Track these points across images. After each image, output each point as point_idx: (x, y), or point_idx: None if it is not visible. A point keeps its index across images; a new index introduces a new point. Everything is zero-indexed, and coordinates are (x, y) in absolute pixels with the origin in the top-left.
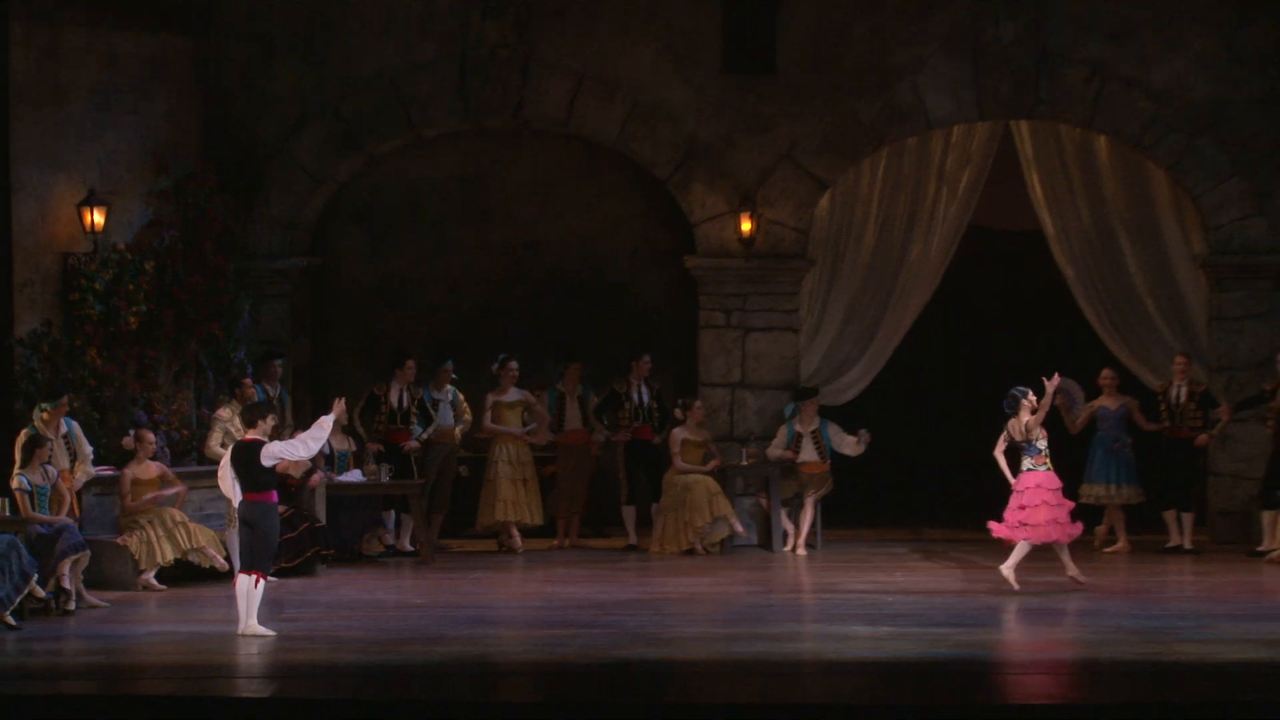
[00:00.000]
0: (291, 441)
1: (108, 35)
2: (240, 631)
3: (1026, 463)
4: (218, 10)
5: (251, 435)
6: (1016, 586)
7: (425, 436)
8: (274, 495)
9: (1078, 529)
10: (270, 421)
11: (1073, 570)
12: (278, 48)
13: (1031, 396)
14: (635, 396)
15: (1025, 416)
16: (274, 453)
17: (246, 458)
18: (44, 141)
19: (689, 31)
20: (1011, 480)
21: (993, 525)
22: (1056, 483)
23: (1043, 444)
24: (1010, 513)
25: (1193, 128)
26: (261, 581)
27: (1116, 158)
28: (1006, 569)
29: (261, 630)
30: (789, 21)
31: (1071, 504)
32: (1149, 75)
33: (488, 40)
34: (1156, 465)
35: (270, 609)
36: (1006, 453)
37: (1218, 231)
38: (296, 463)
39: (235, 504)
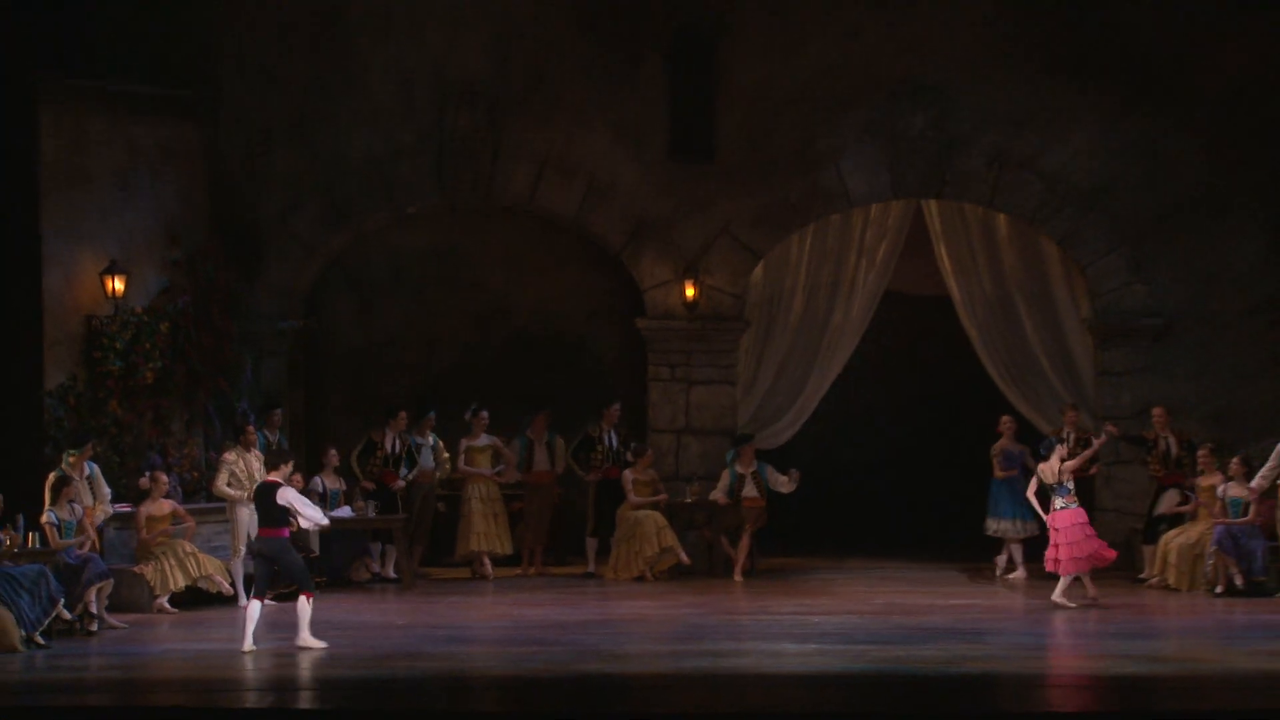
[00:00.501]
0: (307, 503)
1: (127, 125)
2: (297, 644)
3: (1059, 502)
4: (224, 103)
5: (272, 477)
6: (1073, 605)
7: (410, 477)
8: (285, 531)
9: (1111, 555)
10: (289, 467)
11: (1092, 591)
12: (277, 136)
13: (1061, 447)
14: (606, 440)
15: (1056, 463)
16: (288, 499)
17: (265, 496)
18: (71, 218)
19: (638, 122)
20: (1044, 517)
21: (1048, 564)
22: (1084, 517)
23: (1070, 484)
24: (1052, 549)
25: (1080, 207)
26: (310, 599)
27: (1014, 232)
28: (1057, 596)
29: (314, 643)
30: (726, 113)
31: (1093, 533)
32: (1042, 161)
33: (461, 129)
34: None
35: (268, 629)
36: (1036, 493)
37: (1103, 297)
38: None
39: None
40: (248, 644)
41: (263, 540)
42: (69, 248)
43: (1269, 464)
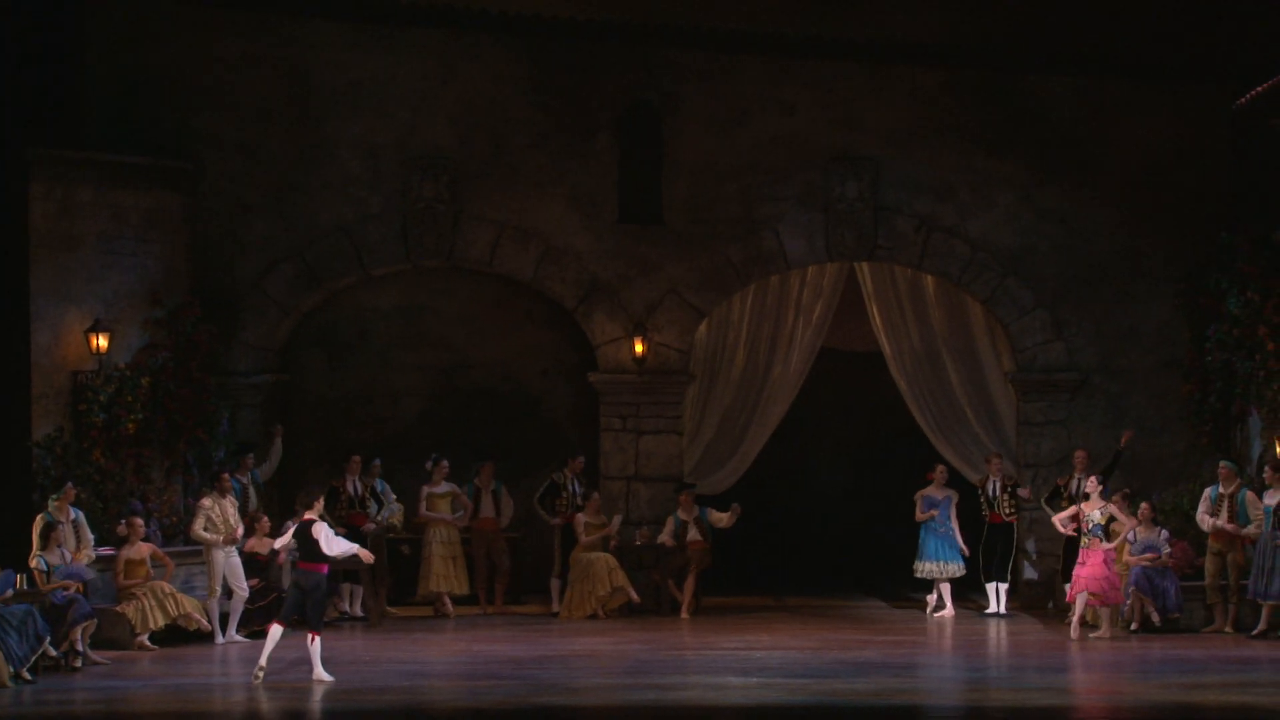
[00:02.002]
0: (332, 538)
1: (112, 192)
2: (313, 678)
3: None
4: (205, 174)
5: (308, 515)
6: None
7: (380, 519)
8: (325, 568)
9: (1118, 597)
10: (320, 504)
11: (1104, 631)
12: (253, 204)
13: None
14: (571, 488)
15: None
16: (317, 534)
17: (303, 533)
18: (58, 279)
19: (590, 190)
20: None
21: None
22: (1111, 555)
23: (1099, 525)
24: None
25: (1003, 269)
26: (316, 639)
27: (941, 292)
28: (1074, 626)
29: (327, 677)
30: (672, 182)
31: (1115, 572)
32: (967, 226)
33: (425, 197)
34: (978, 545)
35: (242, 665)
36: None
37: (1024, 353)
38: (264, 541)
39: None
40: (262, 661)
41: (301, 572)
42: (56, 307)
43: (1203, 506)
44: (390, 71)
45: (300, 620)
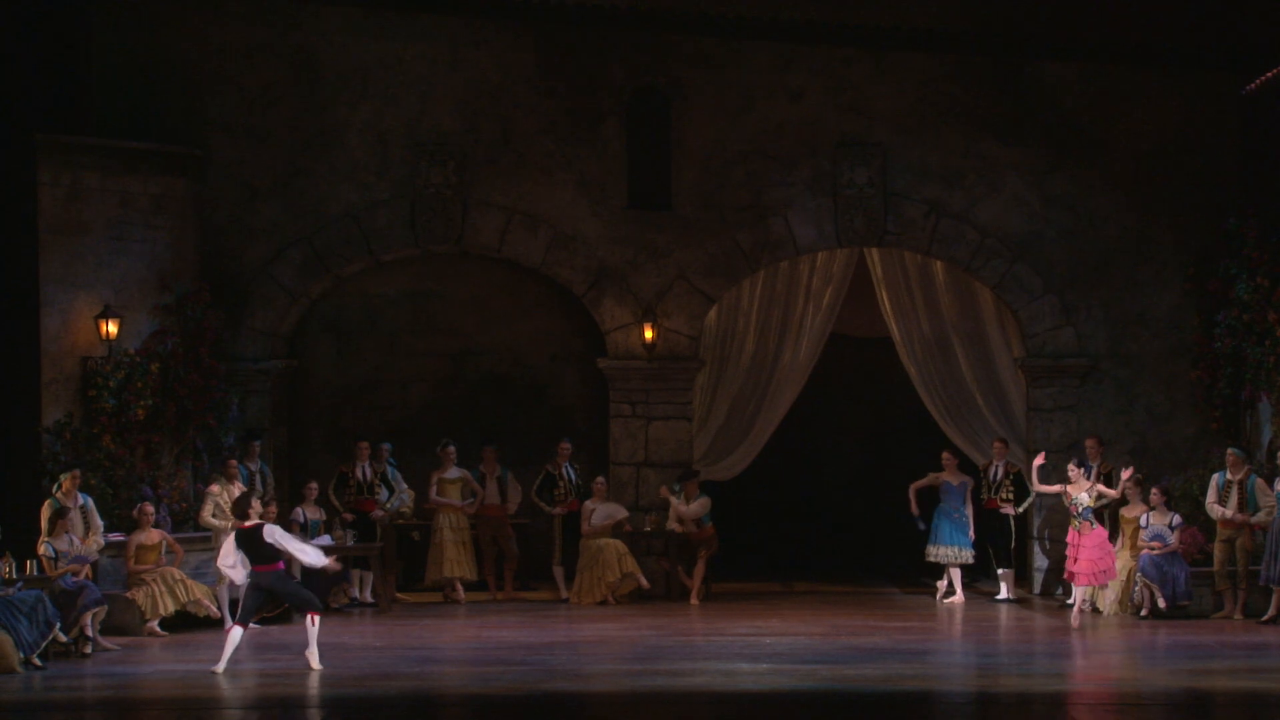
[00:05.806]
0: (296, 543)
1: (120, 178)
2: (306, 656)
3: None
4: (212, 159)
5: (249, 524)
6: (1076, 624)
7: (390, 506)
8: (280, 564)
9: (1110, 575)
10: (257, 506)
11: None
12: (261, 190)
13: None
14: (566, 475)
15: (1083, 486)
16: (275, 539)
17: (249, 540)
18: (67, 265)
19: (599, 176)
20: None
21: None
22: (1103, 533)
23: (1088, 508)
24: (1071, 562)
25: (1012, 255)
26: (316, 620)
27: (950, 278)
28: (1074, 615)
29: (317, 664)
30: (681, 168)
31: (1112, 551)
32: (976, 212)
33: (433, 183)
34: (985, 531)
35: (254, 651)
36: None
37: (1033, 339)
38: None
39: (239, 582)
40: (221, 666)
41: (259, 575)
42: (66, 293)
43: (1212, 494)
44: (397, 57)
45: (265, 617)
